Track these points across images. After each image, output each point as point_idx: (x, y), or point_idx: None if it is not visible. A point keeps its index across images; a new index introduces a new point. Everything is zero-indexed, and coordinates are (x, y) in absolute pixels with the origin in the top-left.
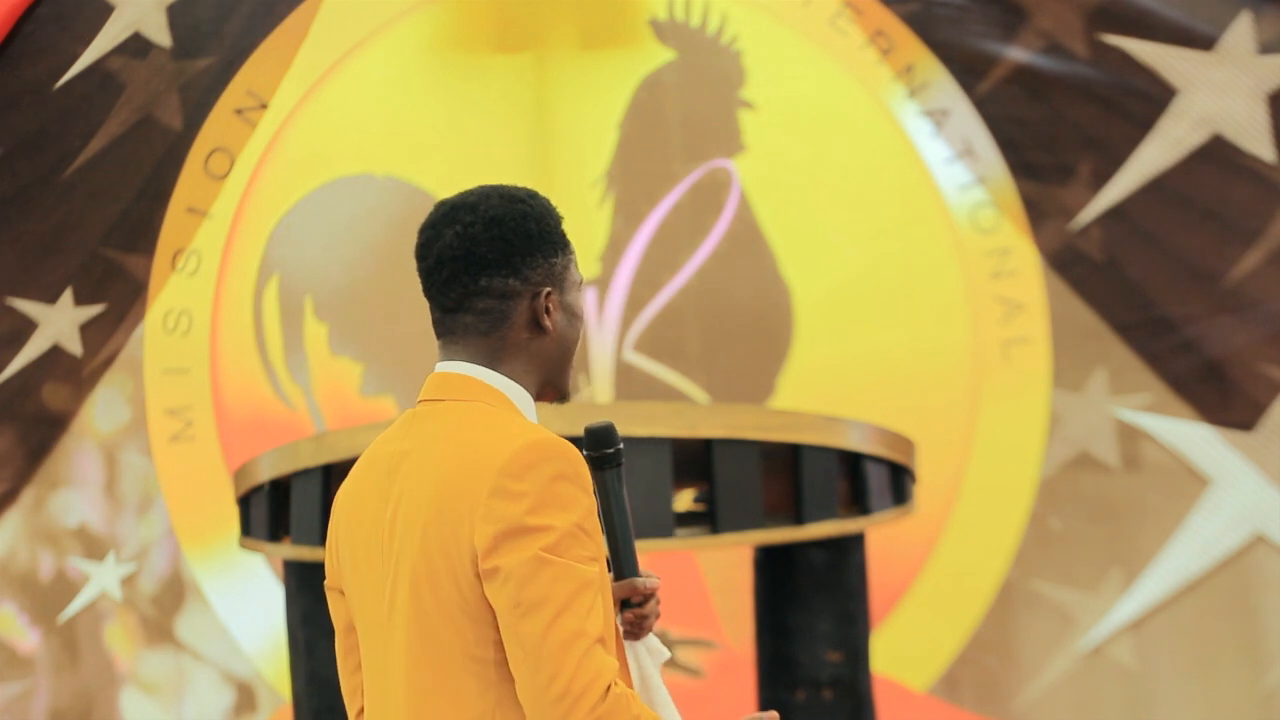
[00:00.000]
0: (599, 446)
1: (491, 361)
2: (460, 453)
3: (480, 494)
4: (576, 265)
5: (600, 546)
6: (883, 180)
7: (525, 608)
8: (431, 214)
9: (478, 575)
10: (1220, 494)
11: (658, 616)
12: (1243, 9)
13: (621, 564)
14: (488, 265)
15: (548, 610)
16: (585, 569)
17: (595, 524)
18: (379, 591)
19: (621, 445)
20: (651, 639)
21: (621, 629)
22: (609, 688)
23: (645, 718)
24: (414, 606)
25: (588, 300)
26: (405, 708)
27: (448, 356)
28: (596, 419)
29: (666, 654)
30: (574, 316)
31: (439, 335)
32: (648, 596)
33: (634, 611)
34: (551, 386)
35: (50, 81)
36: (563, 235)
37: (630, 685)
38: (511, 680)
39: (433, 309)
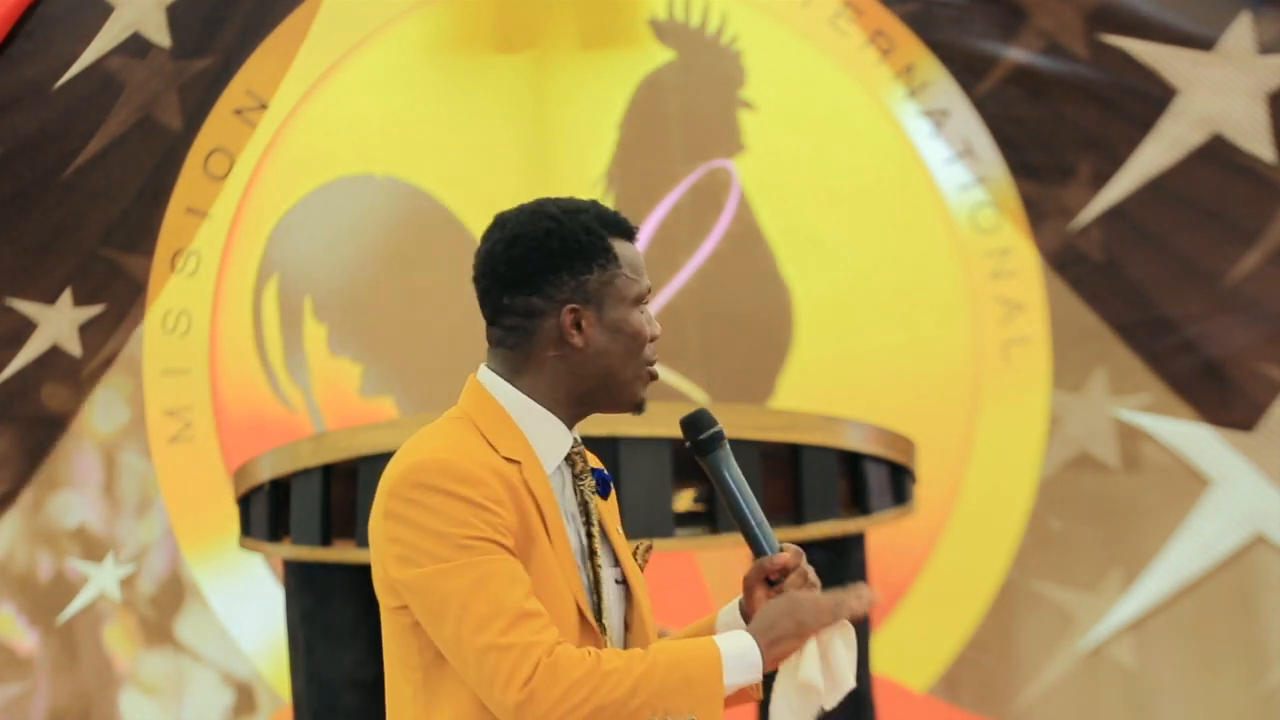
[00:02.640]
0: (695, 433)
1: (512, 374)
2: (389, 466)
3: (379, 516)
4: (631, 280)
5: (500, 532)
6: (883, 180)
7: (435, 615)
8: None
9: (392, 588)
10: (1220, 494)
11: (814, 585)
12: (1243, 9)
13: (752, 543)
14: (509, 284)
15: (451, 612)
16: (483, 560)
17: (494, 530)
18: None
19: (718, 427)
20: None
21: None
22: (538, 662)
23: (592, 675)
24: (381, 610)
25: None
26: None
27: (484, 361)
28: (688, 410)
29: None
30: (619, 333)
31: (487, 342)
32: (785, 571)
33: (777, 589)
34: (607, 401)
35: (50, 81)
36: (604, 251)
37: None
38: (438, 685)
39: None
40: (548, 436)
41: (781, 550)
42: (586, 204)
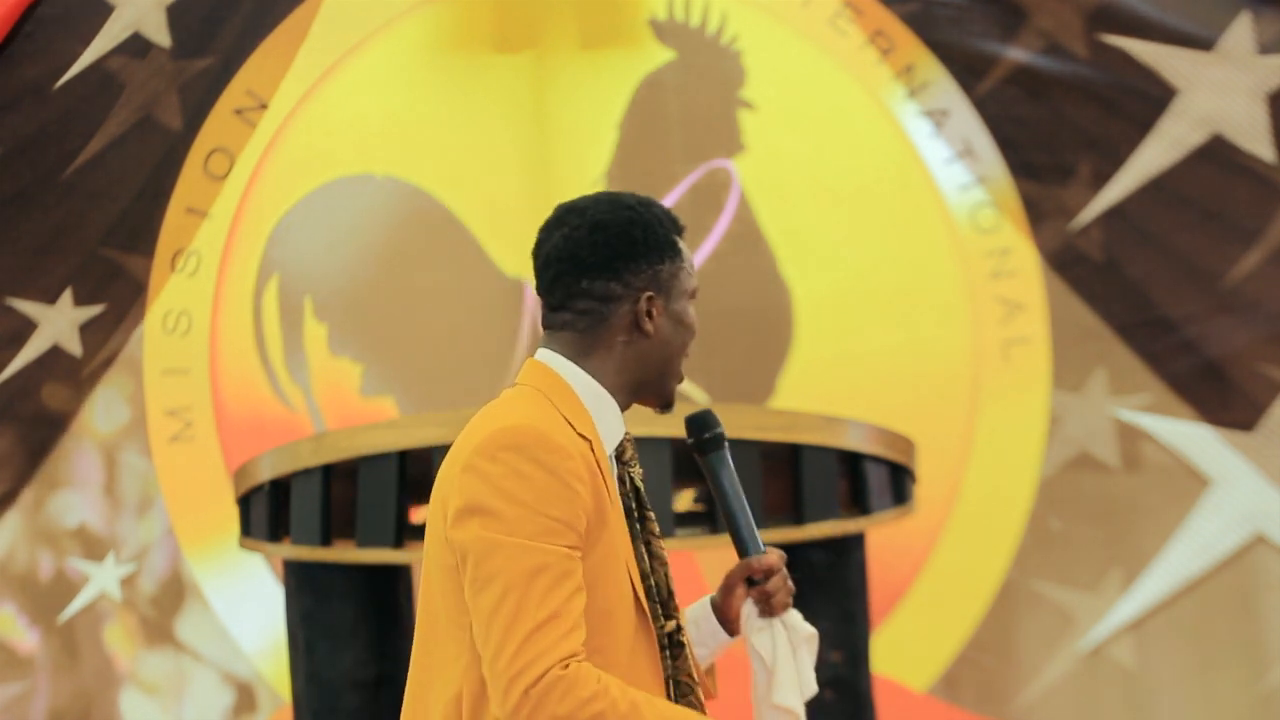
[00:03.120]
0: (700, 432)
1: (579, 357)
2: (468, 430)
3: (458, 468)
4: (690, 275)
5: (578, 535)
6: (883, 180)
7: (480, 584)
8: (549, 217)
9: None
10: (1220, 494)
11: (790, 591)
12: (1243, 9)
13: (739, 543)
14: (589, 268)
15: (496, 588)
16: (546, 549)
17: (571, 513)
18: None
19: (721, 429)
20: (792, 616)
21: (755, 608)
22: (546, 671)
23: (597, 699)
24: (425, 568)
25: None
26: (413, 662)
27: (542, 345)
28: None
29: (808, 630)
30: (680, 325)
31: (543, 328)
32: (769, 573)
33: (758, 589)
34: (652, 392)
35: (50, 81)
36: (673, 244)
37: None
38: None
39: (541, 306)
40: (608, 420)
41: (766, 553)
42: (650, 199)
